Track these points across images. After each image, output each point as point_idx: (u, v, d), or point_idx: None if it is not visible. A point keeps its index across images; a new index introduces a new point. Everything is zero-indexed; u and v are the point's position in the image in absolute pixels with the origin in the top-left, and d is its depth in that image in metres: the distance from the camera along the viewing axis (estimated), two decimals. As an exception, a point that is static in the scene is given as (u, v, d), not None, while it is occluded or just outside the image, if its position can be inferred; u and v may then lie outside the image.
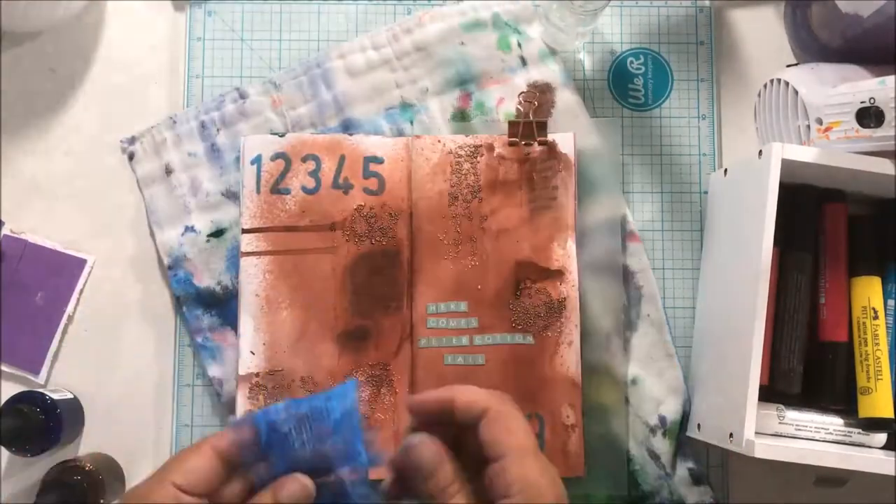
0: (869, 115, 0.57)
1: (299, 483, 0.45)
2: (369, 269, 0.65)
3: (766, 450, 0.55)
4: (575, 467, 0.64)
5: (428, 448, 0.44)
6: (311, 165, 0.66)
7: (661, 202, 0.69)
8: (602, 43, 0.71)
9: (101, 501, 0.62)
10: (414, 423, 0.46)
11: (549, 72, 0.69)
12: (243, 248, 0.65)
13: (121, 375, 0.68)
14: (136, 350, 0.68)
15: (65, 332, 0.68)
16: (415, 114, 0.68)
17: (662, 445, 0.65)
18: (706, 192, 0.69)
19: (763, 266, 0.57)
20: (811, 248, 0.63)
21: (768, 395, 0.61)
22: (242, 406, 0.64)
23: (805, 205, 0.64)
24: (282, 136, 0.67)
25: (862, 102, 0.57)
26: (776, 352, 0.62)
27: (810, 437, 0.61)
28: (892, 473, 0.56)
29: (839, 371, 0.62)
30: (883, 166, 0.59)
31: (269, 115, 0.68)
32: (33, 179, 0.69)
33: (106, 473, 0.63)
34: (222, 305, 0.67)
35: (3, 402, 0.63)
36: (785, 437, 0.61)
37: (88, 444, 0.67)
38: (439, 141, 0.67)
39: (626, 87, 0.70)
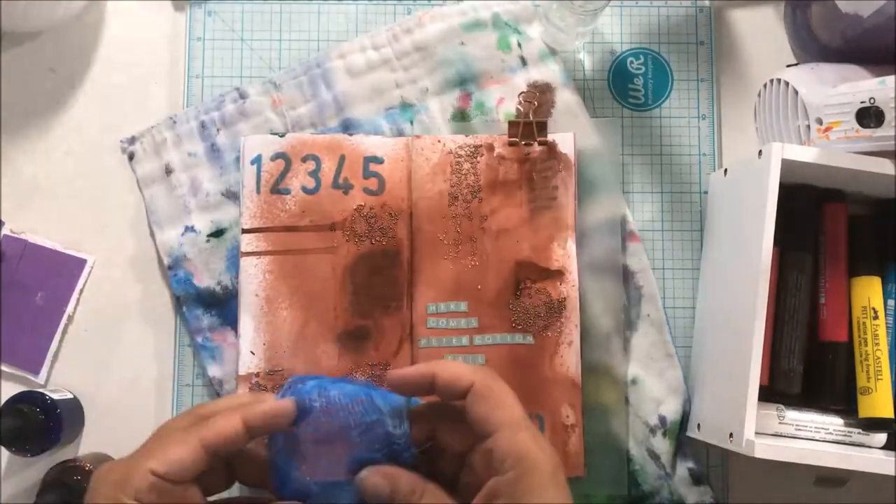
0: (869, 115, 0.57)
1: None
2: (369, 269, 0.65)
3: (766, 450, 0.55)
4: (575, 467, 0.64)
5: (373, 478, 0.45)
6: (311, 165, 0.66)
7: (661, 202, 0.69)
8: (602, 43, 0.71)
9: (101, 501, 0.62)
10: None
11: (549, 72, 0.69)
12: (243, 248, 0.65)
13: (121, 375, 0.68)
14: (136, 350, 0.68)
15: (65, 332, 0.68)
16: (415, 114, 0.68)
17: (662, 445, 0.65)
18: (706, 192, 0.69)
19: (763, 266, 0.57)
20: (811, 248, 0.63)
21: (768, 395, 0.61)
22: (242, 406, 0.64)
23: (805, 205, 0.64)
24: (282, 136, 0.67)
25: (862, 102, 0.57)
26: (776, 352, 0.62)
27: (810, 437, 0.61)
28: (892, 473, 0.56)
29: (839, 371, 0.62)
30: (883, 166, 0.59)
31: (269, 115, 0.68)
32: (33, 179, 0.69)
33: (106, 473, 0.63)
34: (222, 305, 0.67)
35: (3, 402, 0.63)
36: (785, 437, 0.61)
37: (88, 444, 0.67)
38: (439, 141, 0.67)
39: (626, 87, 0.70)
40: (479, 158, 0.66)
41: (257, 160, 0.66)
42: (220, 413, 0.46)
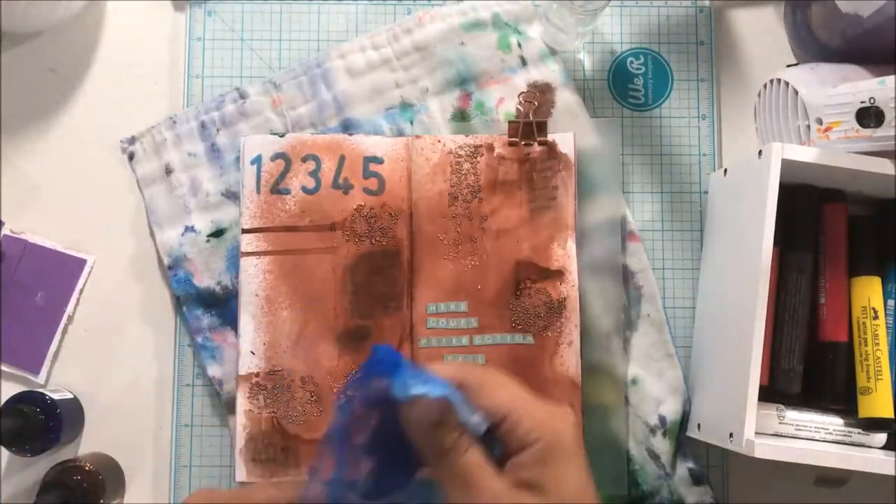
0: (869, 115, 0.57)
1: None
2: (369, 269, 0.65)
3: (766, 450, 0.55)
4: (575, 467, 0.64)
5: (429, 401, 0.40)
6: (311, 165, 0.66)
7: (661, 202, 0.69)
8: (602, 43, 0.71)
9: (101, 501, 0.62)
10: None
11: (549, 72, 0.69)
12: (243, 248, 0.65)
13: (121, 375, 0.68)
14: (136, 350, 0.68)
15: (65, 332, 0.68)
16: (415, 114, 0.68)
17: (662, 445, 0.65)
18: (706, 192, 0.69)
19: (763, 266, 0.57)
20: (811, 248, 0.63)
21: (768, 395, 0.61)
22: (242, 406, 0.64)
23: (805, 205, 0.64)
24: (282, 136, 0.67)
25: (862, 102, 0.57)
26: (776, 352, 0.62)
27: (810, 437, 0.61)
28: (892, 473, 0.56)
29: (839, 371, 0.62)
30: (883, 166, 0.59)
31: (269, 115, 0.68)
32: (33, 179, 0.69)
33: (106, 473, 0.63)
34: (222, 305, 0.67)
35: (3, 402, 0.63)
36: (785, 437, 0.61)
37: (88, 444, 0.67)
38: (439, 141, 0.67)
39: (626, 87, 0.70)
40: (479, 158, 0.66)
41: (257, 160, 0.66)
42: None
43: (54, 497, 0.60)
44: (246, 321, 0.65)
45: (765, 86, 0.65)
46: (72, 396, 0.66)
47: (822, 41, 0.67)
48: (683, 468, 0.66)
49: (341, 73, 0.68)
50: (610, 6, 0.68)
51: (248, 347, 0.64)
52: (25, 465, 0.66)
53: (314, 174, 0.66)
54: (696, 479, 0.65)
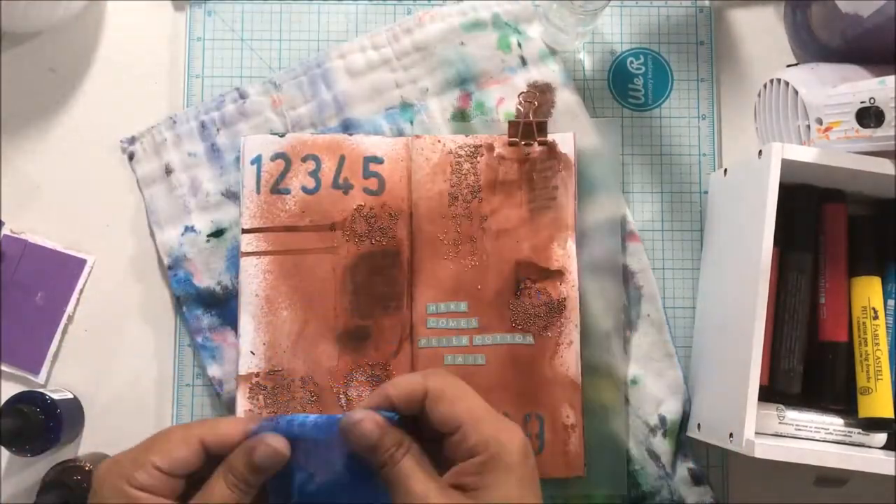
0: (869, 115, 0.57)
1: (272, 447, 0.45)
2: (369, 269, 0.65)
3: (766, 450, 0.55)
4: (575, 467, 0.64)
5: (366, 423, 0.44)
6: (311, 165, 0.66)
7: (661, 202, 0.69)
8: (602, 43, 0.71)
9: (101, 501, 0.62)
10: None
11: (549, 72, 0.69)
12: (243, 248, 0.65)
13: (121, 375, 0.68)
14: (136, 350, 0.68)
15: (65, 332, 0.68)
16: (415, 114, 0.68)
17: (662, 445, 0.65)
18: (706, 192, 0.69)
19: (763, 266, 0.57)
20: (811, 248, 0.63)
21: (768, 395, 0.61)
22: (242, 406, 0.64)
23: (805, 205, 0.64)
24: (282, 136, 0.67)
25: (862, 102, 0.57)
26: (776, 352, 0.62)
27: (810, 437, 0.61)
28: (892, 473, 0.56)
29: (839, 371, 0.62)
30: (883, 166, 0.59)
31: (269, 115, 0.68)
32: (33, 179, 0.69)
33: (106, 473, 0.63)
34: (222, 305, 0.67)
35: (3, 402, 0.63)
36: (785, 437, 0.61)
37: (88, 444, 0.67)
38: (439, 141, 0.67)
39: (626, 87, 0.70)
40: (479, 158, 0.66)
41: (257, 160, 0.66)
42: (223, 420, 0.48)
43: (54, 497, 0.60)
44: (246, 321, 0.65)
45: (765, 86, 0.65)
46: (72, 396, 0.66)
47: (822, 41, 0.67)
48: (683, 468, 0.66)
49: (341, 73, 0.68)
50: (610, 6, 0.68)
51: (248, 347, 0.64)
52: (25, 465, 0.66)
53: (314, 174, 0.66)
54: (696, 479, 0.65)
